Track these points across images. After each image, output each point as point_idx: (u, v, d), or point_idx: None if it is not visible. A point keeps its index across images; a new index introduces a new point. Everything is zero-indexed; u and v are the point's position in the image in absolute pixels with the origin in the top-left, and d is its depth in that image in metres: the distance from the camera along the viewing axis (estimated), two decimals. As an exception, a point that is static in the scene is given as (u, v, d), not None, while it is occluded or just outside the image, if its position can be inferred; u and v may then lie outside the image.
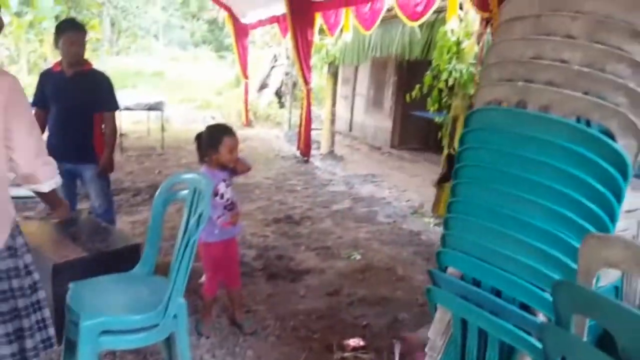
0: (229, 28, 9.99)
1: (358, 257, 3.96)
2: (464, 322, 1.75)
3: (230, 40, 10.56)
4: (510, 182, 1.56)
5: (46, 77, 3.30)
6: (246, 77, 10.17)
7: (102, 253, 2.54)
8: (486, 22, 3.69)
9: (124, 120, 7.24)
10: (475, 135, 1.73)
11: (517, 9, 1.74)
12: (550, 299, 1.43)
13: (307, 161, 7.68)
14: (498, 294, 1.64)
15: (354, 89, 10.86)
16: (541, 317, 1.52)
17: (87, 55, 3.33)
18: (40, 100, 3.27)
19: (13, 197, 1.79)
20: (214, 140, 2.56)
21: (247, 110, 10.69)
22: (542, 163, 1.48)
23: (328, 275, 3.60)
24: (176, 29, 23.90)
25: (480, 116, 1.73)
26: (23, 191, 2.09)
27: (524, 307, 1.57)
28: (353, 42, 7.56)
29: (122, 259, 2.51)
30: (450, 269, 1.80)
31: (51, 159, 1.88)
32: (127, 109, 7.37)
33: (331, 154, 8.43)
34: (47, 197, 1.96)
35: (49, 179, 1.84)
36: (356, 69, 10.54)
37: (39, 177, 1.79)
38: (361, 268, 3.74)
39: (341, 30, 6.53)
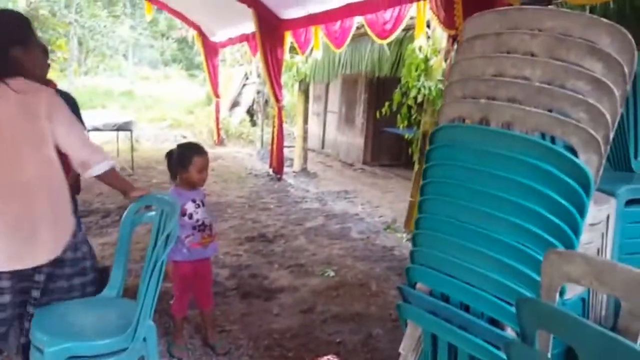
0: (198, 46, 9.97)
1: (332, 273, 3.94)
2: (435, 337, 1.75)
3: (201, 58, 10.54)
4: (476, 198, 1.58)
5: None
6: (217, 95, 10.14)
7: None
8: (453, 39, 3.77)
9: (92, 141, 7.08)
10: (440, 152, 1.75)
11: (478, 27, 1.78)
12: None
13: (280, 179, 7.65)
14: (467, 308, 1.64)
15: (325, 106, 10.94)
16: (509, 331, 1.52)
17: (55, 75, 3.28)
18: None
19: None
20: (184, 160, 2.54)
21: (218, 129, 10.63)
22: (507, 179, 1.51)
23: (302, 292, 3.57)
24: (145, 48, 23.74)
25: (445, 133, 1.75)
26: None
27: (493, 321, 1.58)
28: (323, 60, 7.64)
29: (90, 283, 2.40)
30: (420, 285, 1.81)
31: (99, 147, 2.12)
32: (95, 129, 7.22)
33: (304, 171, 8.43)
34: (109, 180, 2.15)
35: (100, 162, 2.05)
36: (327, 86, 10.64)
37: (90, 162, 2.03)
38: (335, 285, 3.72)
39: (312, 49, 6.59)
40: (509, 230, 1.51)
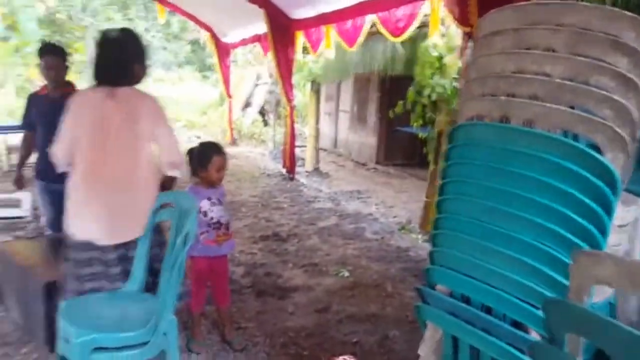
0: (211, 48, 10.01)
1: (346, 274, 3.91)
2: (455, 339, 1.72)
3: (213, 60, 10.57)
4: (498, 198, 1.55)
5: (33, 100, 3.35)
6: (230, 96, 10.17)
7: None
8: (468, 36, 3.72)
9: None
10: (459, 151, 1.72)
11: (495, 23, 1.75)
12: (543, 316, 1.41)
13: (292, 178, 7.65)
14: (488, 310, 1.61)
15: (337, 105, 10.92)
16: (534, 335, 1.49)
17: (73, 77, 3.31)
18: (28, 123, 3.33)
19: (3, 218, 1.96)
20: (203, 158, 2.59)
21: (231, 129, 10.66)
22: (530, 178, 1.47)
23: (316, 292, 3.57)
24: (159, 50, 23.86)
25: (464, 132, 1.72)
26: (11, 211, 2.17)
27: (516, 324, 1.54)
28: (335, 59, 7.61)
29: None
30: (440, 286, 1.78)
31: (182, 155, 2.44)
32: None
33: (316, 170, 8.42)
34: (171, 185, 2.44)
35: (181, 168, 2.42)
36: (339, 85, 10.61)
37: (178, 165, 2.38)
38: (350, 285, 3.70)
39: (323, 48, 6.56)
40: (531, 230, 1.48)
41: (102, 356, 1.91)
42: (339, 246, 4.61)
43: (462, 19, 3.65)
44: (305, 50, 7.32)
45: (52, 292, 2.48)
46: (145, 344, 1.95)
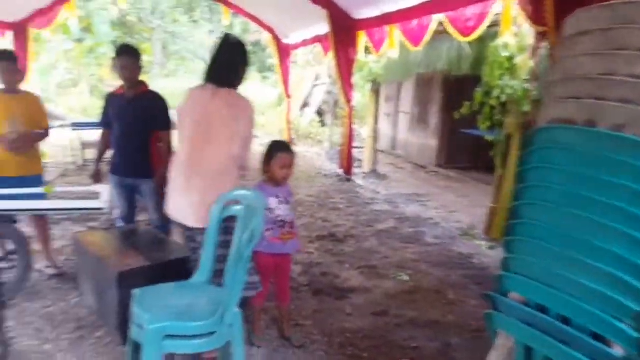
0: (272, 49, 10.16)
1: (405, 278, 3.86)
2: (528, 349, 1.65)
3: (273, 61, 10.73)
4: (582, 205, 1.47)
5: (110, 100, 3.50)
6: (288, 96, 10.30)
7: (162, 263, 2.78)
8: (541, 36, 3.57)
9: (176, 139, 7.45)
10: (540, 155, 1.65)
11: (582, 23, 1.67)
12: (628, 330, 1.33)
13: (349, 179, 7.64)
14: (565, 321, 1.54)
15: (397, 106, 10.79)
16: (617, 350, 1.41)
17: (141, 77, 3.46)
18: (106, 121, 3.50)
19: (81, 209, 2.15)
20: (268, 155, 2.64)
21: (289, 129, 10.80)
22: (618, 185, 1.39)
23: (374, 294, 3.54)
24: (222, 51, 24.45)
25: (546, 135, 1.65)
26: (91, 203, 2.33)
27: (596, 336, 1.47)
28: (397, 59, 7.51)
29: (179, 269, 2.68)
30: (513, 294, 1.71)
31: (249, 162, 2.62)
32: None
33: (374, 172, 8.36)
34: None
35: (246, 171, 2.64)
36: (399, 86, 10.48)
37: (245, 167, 2.57)
38: (409, 289, 3.65)
39: (386, 48, 6.48)
40: (618, 240, 1.40)
41: (172, 343, 1.99)
42: (397, 249, 4.55)
43: (537, 18, 3.51)
44: (367, 50, 7.29)
45: (124, 281, 2.59)
46: (212, 334, 2.01)
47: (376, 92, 8.65)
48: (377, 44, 6.63)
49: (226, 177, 2.46)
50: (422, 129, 9.67)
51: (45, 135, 3.57)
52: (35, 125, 3.47)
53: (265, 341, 2.79)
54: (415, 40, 5.70)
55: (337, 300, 3.40)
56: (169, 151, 3.47)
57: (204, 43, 21.24)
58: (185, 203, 2.45)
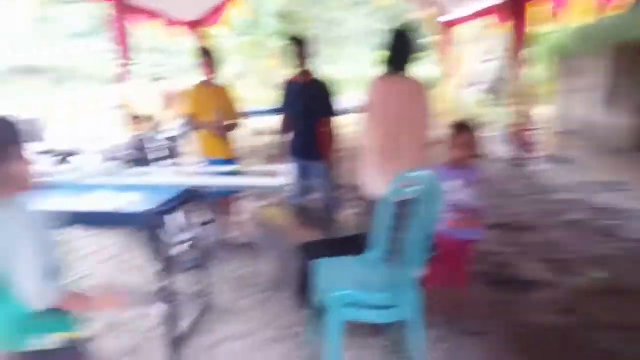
0: (431, 26, 9.78)
1: (601, 275, 3.41)
2: None
3: (433, 38, 10.33)
4: None
5: (288, 87, 3.81)
6: (451, 75, 9.84)
7: (335, 237, 3.06)
8: None
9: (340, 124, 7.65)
10: None
11: None
12: None
13: (525, 164, 6.98)
14: None
15: (582, 82, 9.50)
16: None
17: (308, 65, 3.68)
18: (285, 107, 3.82)
19: (256, 187, 2.42)
20: (450, 136, 2.60)
21: (449, 108, 10.31)
22: None
23: (561, 290, 3.25)
24: (379, 33, 24.39)
25: None
26: (273, 181, 2.79)
27: None
28: (584, 29, 6.57)
29: (351, 244, 2.74)
30: None
31: None
32: (345, 112, 7.73)
33: (554, 156, 7.51)
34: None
35: None
36: (585, 59, 9.21)
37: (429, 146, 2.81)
38: (605, 288, 3.24)
39: (571, 16, 5.66)
40: None
41: (353, 311, 2.10)
42: (590, 243, 4.05)
43: None
44: (546, 20, 6.48)
45: (304, 252, 2.79)
46: (389, 307, 2.09)
47: (557, 66, 7.72)
48: (559, 12, 5.82)
49: (418, 154, 2.67)
50: (615, 107, 8.35)
51: (238, 123, 4.02)
52: (229, 114, 3.90)
53: (437, 325, 2.72)
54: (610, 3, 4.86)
55: (517, 293, 3.22)
56: (332, 136, 3.75)
57: (359, 26, 21.40)
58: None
